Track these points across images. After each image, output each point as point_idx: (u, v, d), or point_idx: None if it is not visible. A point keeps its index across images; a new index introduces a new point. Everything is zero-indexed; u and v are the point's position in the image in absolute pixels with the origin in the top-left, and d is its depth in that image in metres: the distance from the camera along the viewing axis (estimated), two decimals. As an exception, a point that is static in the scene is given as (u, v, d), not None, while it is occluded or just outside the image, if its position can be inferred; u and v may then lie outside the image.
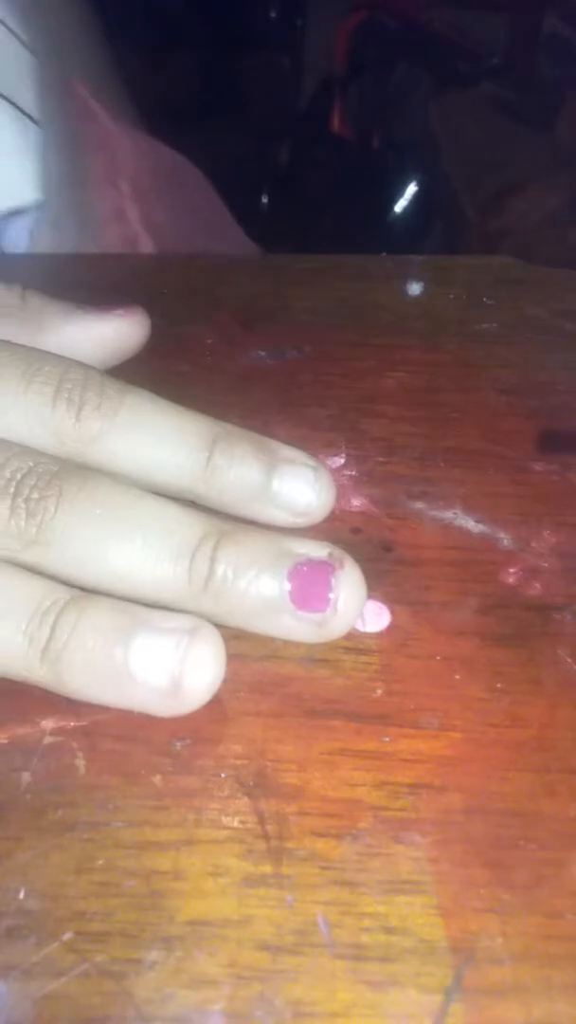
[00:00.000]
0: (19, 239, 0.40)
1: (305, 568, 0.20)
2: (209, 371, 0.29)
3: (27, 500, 0.20)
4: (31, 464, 0.21)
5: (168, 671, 0.18)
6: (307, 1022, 0.15)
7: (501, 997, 0.16)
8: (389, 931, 0.17)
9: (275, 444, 0.23)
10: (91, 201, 0.46)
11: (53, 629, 0.19)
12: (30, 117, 0.41)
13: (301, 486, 0.22)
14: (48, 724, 0.20)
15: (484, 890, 0.17)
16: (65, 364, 0.23)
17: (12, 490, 0.20)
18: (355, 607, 0.20)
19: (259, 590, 0.20)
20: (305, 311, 0.32)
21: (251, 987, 0.16)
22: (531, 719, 0.20)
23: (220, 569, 0.20)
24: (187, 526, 0.20)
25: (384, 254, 0.35)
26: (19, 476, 0.20)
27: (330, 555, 0.20)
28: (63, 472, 0.21)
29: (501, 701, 0.20)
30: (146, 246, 0.44)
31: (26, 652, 0.19)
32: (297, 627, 0.20)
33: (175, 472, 0.22)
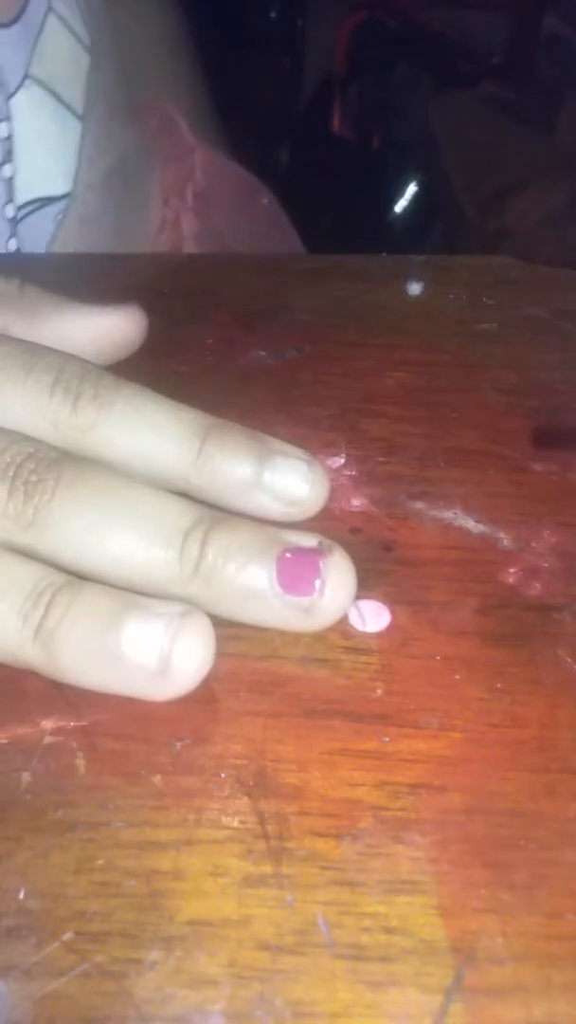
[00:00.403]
0: (45, 227, 0.41)
1: (293, 554, 0.20)
2: (209, 371, 0.29)
3: (26, 483, 0.21)
4: (31, 450, 0.21)
5: (158, 652, 0.19)
6: (307, 1022, 0.15)
7: (501, 997, 0.16)
8: (389, 931, 0.17)
9: (268, 437, 0.23)
10: (146, 210, 0.47)
11: (48, 609, 0.19)
12: (72, 112, 0.41)
13: (293, 478, 0.23)
14: (48, 724, 0.20)
15: (484, 890, 0.17)
16: (65, 357, 0.23)
17: (12, 473, 0.21)
18: (343, 594, 0.20)
19: (248, 574, 0.20)
20: (305, 311, 0.32)
21: (251, 987, 0.16)
22: (531, 719, 0.20)
23: (210, 553, 0.20)
24: (179, 513, 0.21)
25: (384, 254, 0.35)
26: (19, 460, 0.21)
27: (320, 543, 0.21)
28: (62, 459, 0.21)
29: (501, 701, 0.20)
30: None
31: (20, 631, 0.19)
32: (285, 613, 0.20)
33: (167, 462, 0.23)
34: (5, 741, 0.19)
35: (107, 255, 0.41)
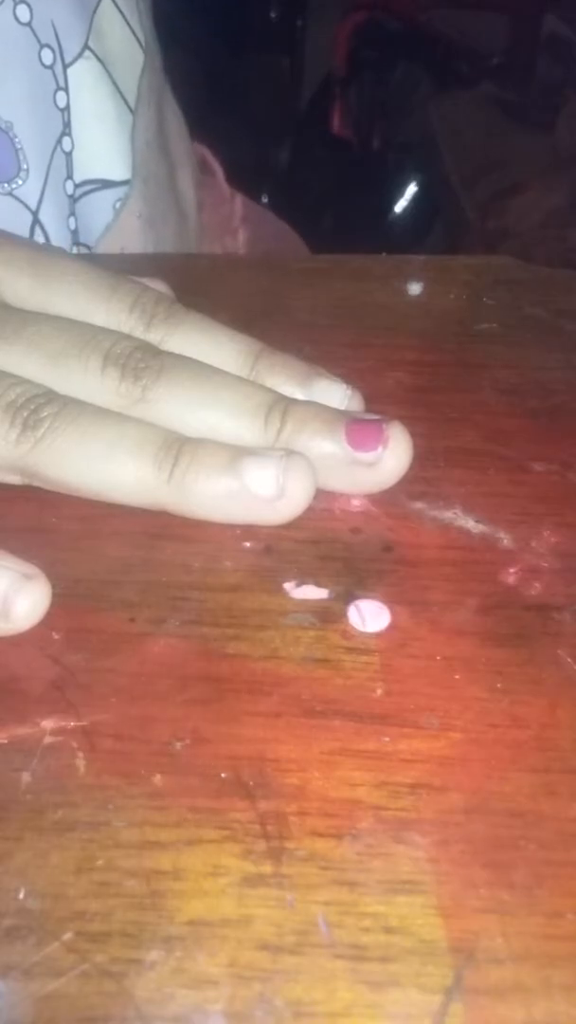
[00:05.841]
0: (103, 212, 0.41)
1: (358, 422, 0.24)
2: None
3: (135, 369, 0.24)
4: (136, 344, 0.25)
5: (275, 482, 0.22)
6: (307, 1022, 0.15)
7: (501, 997, 0.16)
8: (389, 931, 0.17)
9: (314, 365, 0.26)
10: (208, 242, 0.49)
11: (177, 457, 0.23)
12: (126, 102, 0.41)
13: (332, 398, 0.25)
14: (48, 724, 0.20)
15: (484, 890, 0.17)
16: (143, 286, 0.27)
17: (123, 362, 0.24)
18: (403, 452, 0.24)
19: (321, 437, 0.23)
20: (305, 311, 0.32)
21: (251, 987, 0.16)
22: (531, 719, 0.20)
23: (290, 422, 0.24)
24: (263, 393, 0.24)
25: (384, 254, 0.35)
26: (128, 351, 0.24)
27: (381, 418, 0.24)
28: (162, 352, 0.25)
29: (501, 701, 0.20)
30: None
31: (156, 477, 0.23)
32: (353, 470, 0.24)
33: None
34: (5, 741, 0.19)
35: (107, 255, 0.41)
